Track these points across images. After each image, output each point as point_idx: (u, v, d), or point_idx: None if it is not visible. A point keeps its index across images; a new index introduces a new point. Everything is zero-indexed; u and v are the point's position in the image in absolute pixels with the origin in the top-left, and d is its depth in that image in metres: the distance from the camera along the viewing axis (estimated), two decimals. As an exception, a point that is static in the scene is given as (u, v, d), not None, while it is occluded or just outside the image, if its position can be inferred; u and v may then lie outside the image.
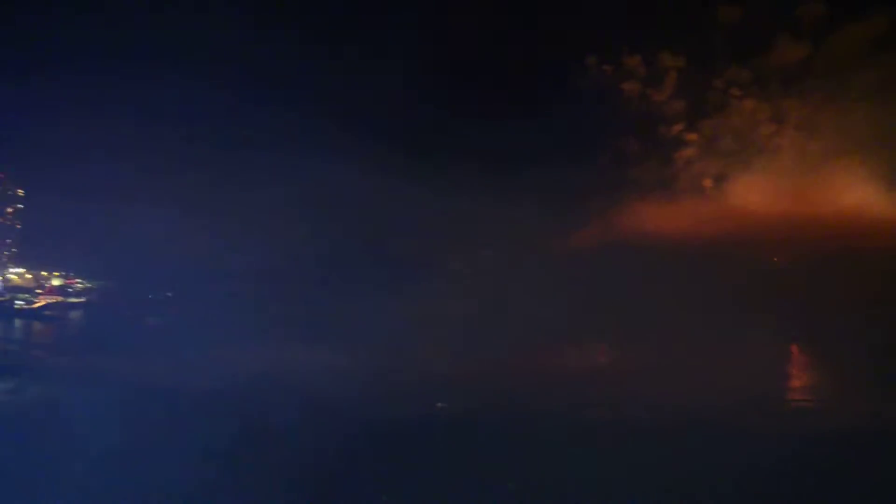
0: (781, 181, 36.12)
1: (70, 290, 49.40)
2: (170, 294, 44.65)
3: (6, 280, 53.37)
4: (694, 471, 24.34)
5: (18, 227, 58.51)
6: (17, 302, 47.50)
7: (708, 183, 37.48)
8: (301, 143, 38.05)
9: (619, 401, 28.46)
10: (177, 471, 18.42)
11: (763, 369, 30.44)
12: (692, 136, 37.76)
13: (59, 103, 39.63)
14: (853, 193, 34.31)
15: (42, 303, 47.27)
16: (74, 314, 45.84)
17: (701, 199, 37.47)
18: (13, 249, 58.36)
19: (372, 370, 31.04)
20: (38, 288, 50.90)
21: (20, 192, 58.15)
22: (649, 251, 37.36)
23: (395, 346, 33.35)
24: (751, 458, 24.72)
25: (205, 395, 25.80)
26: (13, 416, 23.59)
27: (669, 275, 35.44)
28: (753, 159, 36.78)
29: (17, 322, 45.12)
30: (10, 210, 58.79)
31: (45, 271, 52.65)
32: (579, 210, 39.54)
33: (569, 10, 41.13)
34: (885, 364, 28.81)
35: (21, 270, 55.25)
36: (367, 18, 42.76)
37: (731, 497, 22.93)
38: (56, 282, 51.82)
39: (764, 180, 36.40)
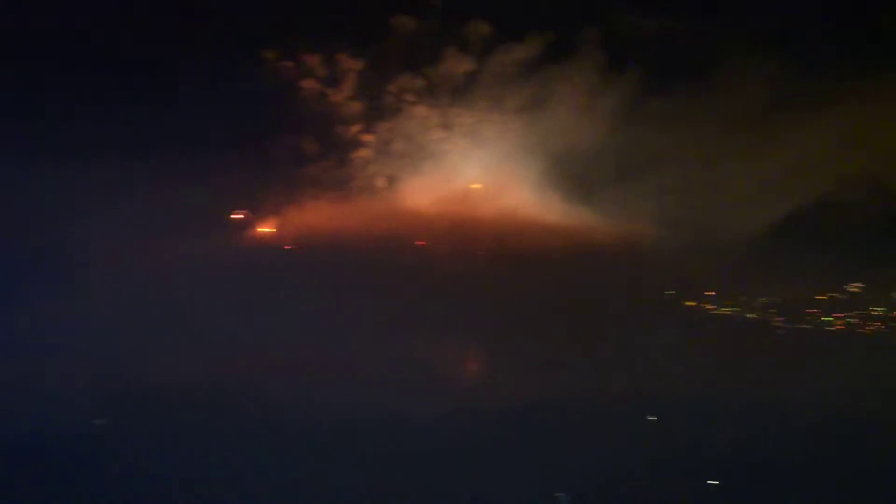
0: (448, 184, 38.14)
1: None
2: None
3: None
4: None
5: None
6: None
7: (381, 183, 38.25)
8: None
9: (277, 404, 28.00)
10: None
11: (427, 362, 31.70)
12: (368, 138, 38.36)
13: None
14: (511, 196, 37.39)
15: None
16: None
17: (374, 199, 38.15)
18: None
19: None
20: None
21: None
22: (322, 250, 37.23)
23: (35, 354, 29.51)
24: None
25: None
26: None
27: (340, 273, 35.59)
28: (424, 163, 38.28)
29: None
30: None
31: None
32: (254, 207, 38.28)
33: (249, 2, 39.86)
34: (540, 353, 31.59)
35: None
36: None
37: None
38: None
39: (432, 183, 38.11)
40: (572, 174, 36.64)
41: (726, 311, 34.53)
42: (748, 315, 34.33)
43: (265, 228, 37.88)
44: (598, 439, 26.43)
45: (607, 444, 26.20)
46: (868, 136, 34.01)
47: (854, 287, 34.29)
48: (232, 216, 37.62)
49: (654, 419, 27.81)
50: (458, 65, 37.77)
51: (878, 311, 33.47)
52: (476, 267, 36.13)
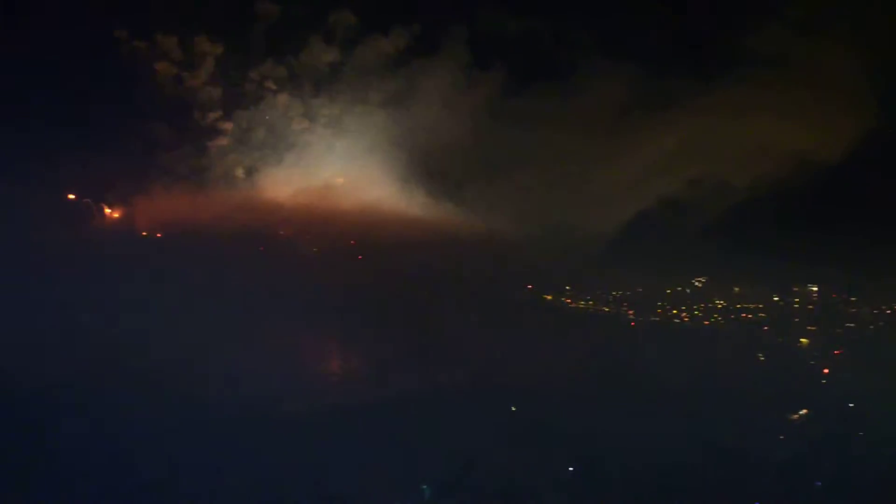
0: (310, 176, 37.36)
1: None
2: None
3: None
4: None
5: None
6: None
7: (240, 173, 36.96)
8: None
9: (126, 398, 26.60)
10: None
11: (295, 358, 31.01)
12: (226, 126, 36.93)
13: None
14: (374, 190, 37.11)
15: None
16: None
17: (233, 190, 36.77)
18: None
19: None
20: None
21: None
22: (177, 242, 35.61)
23: None
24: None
25: None
26: None
27: (196, 267, 34.07)
28: (285, 154, 37.30)
29: None
30: None
31: None
32: (100, 194, 36.03)
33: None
34: (403, 346, 31.52)
35: None
36: None
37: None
38: None
39: (293, 175, 37.20)
40: (435, 170, 36.93)
41: (582, 303, 35.87)
42: (603, 308, 35.83)
43: (113, 215, 35.82)
44: (462, 429, 26.69)
45: (471, 434, 26.51)
46: (713, 140, 36.18)
47: (699, 281, 36.51)
48: (76, 202, 35.37)
49: (515, 409, 28.42)
50: (322, 55, 37.11)
51: (720, 303, 35.80)
52: (337, 260, 35.66)
